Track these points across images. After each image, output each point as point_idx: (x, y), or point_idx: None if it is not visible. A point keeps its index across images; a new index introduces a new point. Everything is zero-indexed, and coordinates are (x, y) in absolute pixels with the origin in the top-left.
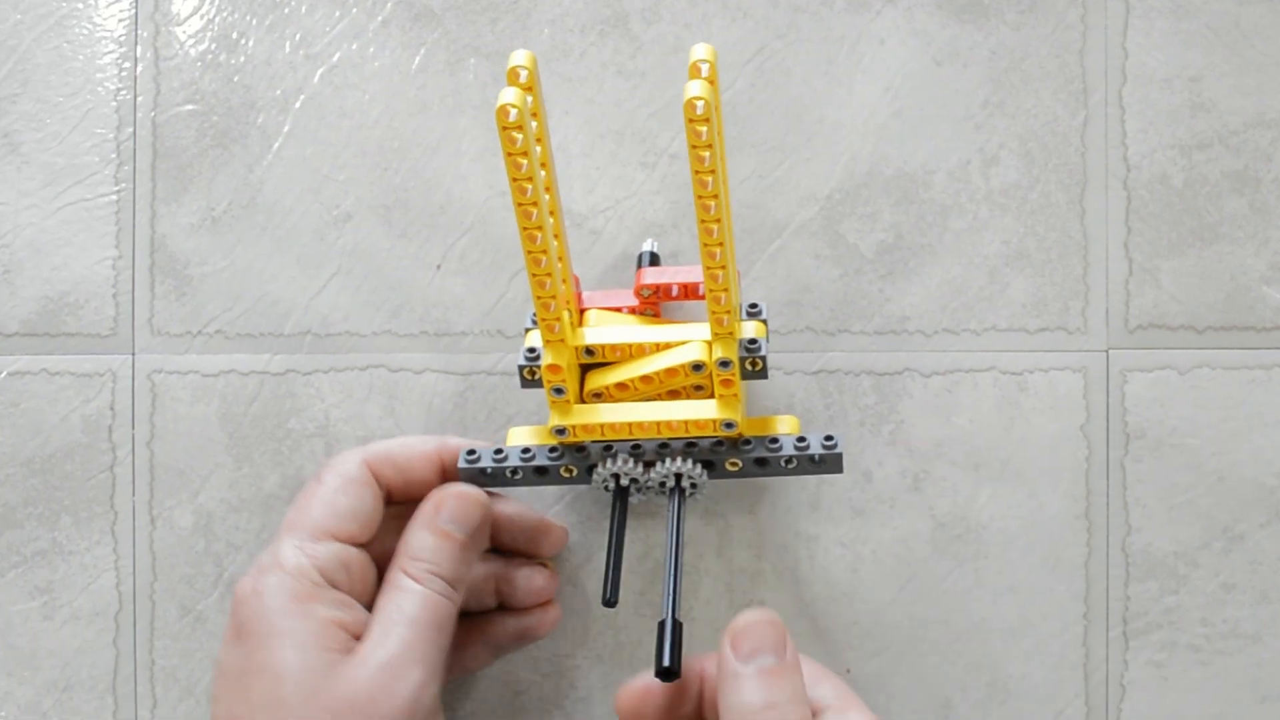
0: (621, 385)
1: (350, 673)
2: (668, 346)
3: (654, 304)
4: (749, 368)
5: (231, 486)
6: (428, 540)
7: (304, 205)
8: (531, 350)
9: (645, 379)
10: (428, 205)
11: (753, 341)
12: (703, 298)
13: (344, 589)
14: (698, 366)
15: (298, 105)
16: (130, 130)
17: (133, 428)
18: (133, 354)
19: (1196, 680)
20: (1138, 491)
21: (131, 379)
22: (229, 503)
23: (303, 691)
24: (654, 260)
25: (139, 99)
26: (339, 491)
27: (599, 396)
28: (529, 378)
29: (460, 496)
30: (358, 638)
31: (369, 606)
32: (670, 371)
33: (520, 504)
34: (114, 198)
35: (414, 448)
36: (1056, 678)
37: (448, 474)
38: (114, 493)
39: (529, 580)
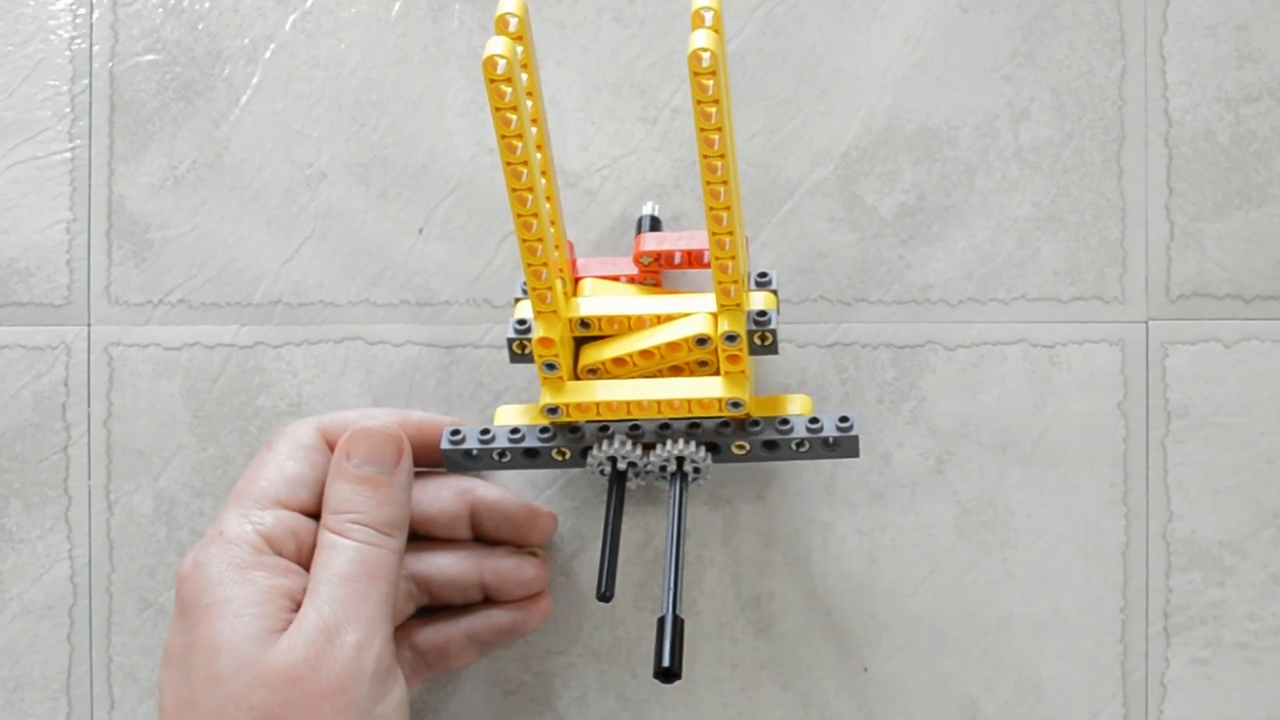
0: (619, 360)
1: (285, 643)
2: (669, 319)
3: (655, 273)
4: (758, 342)
5: (195, 469)
6: (344, 489)
7: (274, 164)
8: (521, 322)
9: (645, 354)
10: (409, 164)
11: (762, 313)
12: (708, 266)
13: (291, 557)
14: (702, 340)
15: (267, 55)
16: (86, 82)
17: (88, 405)
18: (88, 325)
19: (1244, 679)
20: (1180, 474)
21: (87, 352)
22: (193, 486)
23: (238, 664)
24: (655, 225)
25: (95, 48)
26: (288, 457)
27: (594, 373)
28: (519, 351)
29: (366, 435)
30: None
31: None
32: (672, 346)
33: (504, 490)
34: (68, 155)
35: (374, 418)
36: (1092, 677)
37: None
38: (68, 476)
39: (518, 571)
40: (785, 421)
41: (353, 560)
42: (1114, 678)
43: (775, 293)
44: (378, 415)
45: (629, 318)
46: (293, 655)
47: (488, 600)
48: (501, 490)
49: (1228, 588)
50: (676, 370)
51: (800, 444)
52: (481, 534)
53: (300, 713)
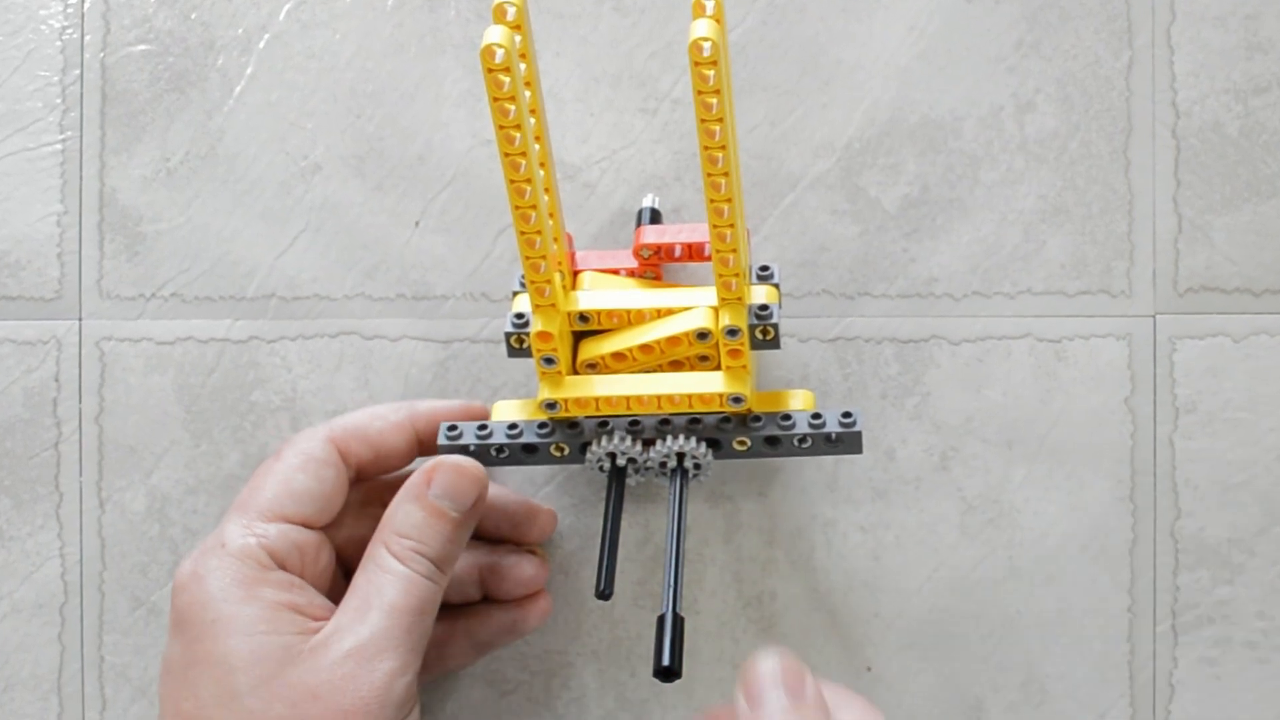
0: (618, 355)
1: (311, 661)
2: (670, 312)
3: (655, 266)
4: (759, 336)
5: (188, 466)
6: (416, 515)
7: (268, 156)
8: (519, 316)
9: (645, 348)
10: (405, 155)
11: (763, 307)
12: (709, 259)
13: (295, 572)
14: (703, 335)
15: (261, 45)
16: (77, 73)
17: (79, 401)
18: (79, 319)
19: (1252, 679)
20: (1188, 471)
21: (78, 347)
22: (186, 483)
23: (256, 681)
24: (655, 217)
25: (87, 38)
26: (298, 470)
27: (593, 367)
28: (517, 346)
29: (456, 469)
30: (315, 619)
31: (326, 593)
32: (673, 340)
33: (502, 486)
34: (59, 147)
35: (384, 418)
36: (1098, 677)
37: (422, 442)
38: (59, 472)
39: (517, 569)
40: (787, 417)
41: (407, 592)
42: (1121, 677)
43: (777, 287)
44: (387, 414)
45: (628, 312)
46: (317, 673)
47: (486, 599)
48: (500, 487)
49: (1236, 586)
50: (677, 365)
51: (803, 440)
52: (480, 531)
53: None
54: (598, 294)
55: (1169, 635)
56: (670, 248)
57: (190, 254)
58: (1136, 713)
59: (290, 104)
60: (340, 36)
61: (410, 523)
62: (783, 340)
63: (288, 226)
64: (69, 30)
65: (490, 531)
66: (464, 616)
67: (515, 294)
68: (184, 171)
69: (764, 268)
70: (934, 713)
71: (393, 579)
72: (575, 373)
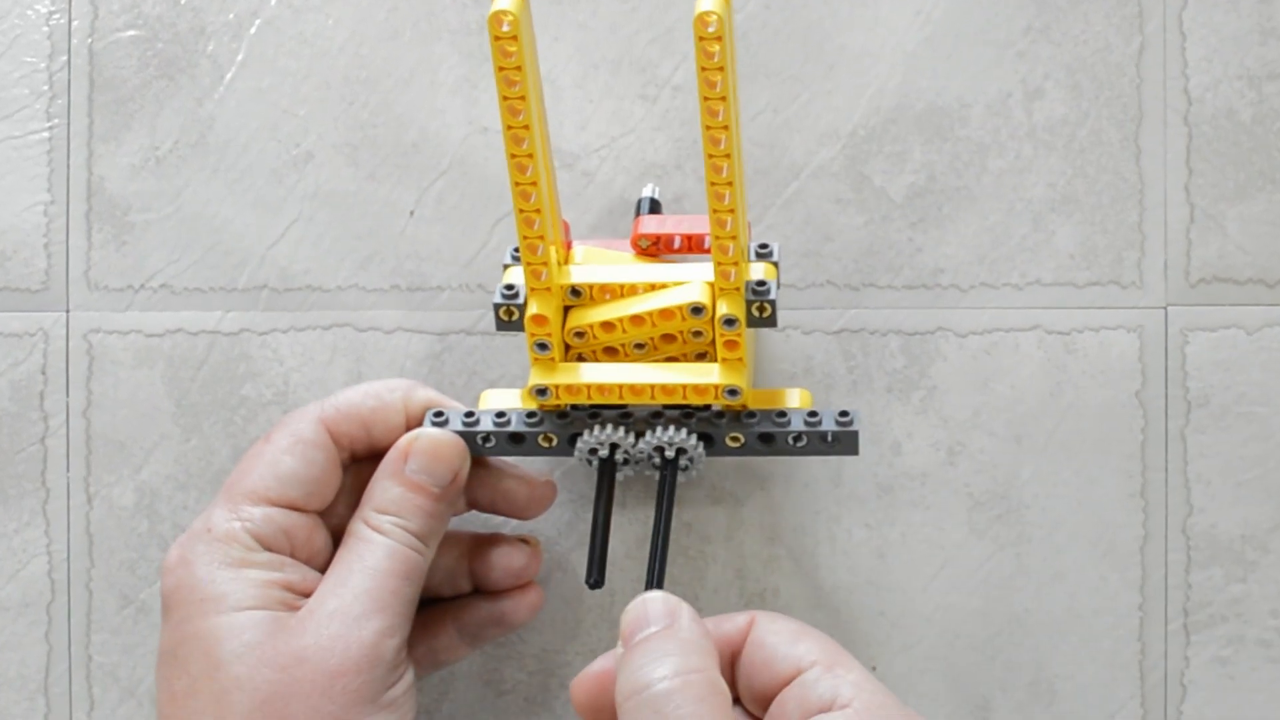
0: (607, 325)
1: (297, 624)
2: (664, 287)
3: (653, 256)
4: (756, 313)
5: (178, 460)
6: (394, 491)
7: (260, 143)
8: (510, 287)
9: (635, 319)
10: (399, 143)
11: (761, 283)
12: (708, 251)
13: (284, 554)
14: (697, 309)
15: (253, 31)
16: (64, 59)
17: (67, 394)
18: (67, 311)
19: (1266, 679)
20: (1200, 466)
21: (65, 339)
22: (175, 479)
23: (242, 649)
24: (654, 208)
25: (74, 24)
26: (286, 452)
27: (581, 336)
28: (506, 319)
29: (433, 443)
30: (306, 595)
31: (321, 572)
32: (665, 313)
33: (503, 459)
34: (46, 135)
35: (379, 397)
36: (1109, 676)
37: (413, 429)
38: (46, 468)
39: (507, 558)
40: (783, 414)
41: (388, 556)
42: (1131, 677)
43: (776, 265)
44: (382, 392)
45: (622, 286)
46: (303, 638)
47: (476, 591)
48: (498, 459)
49: (1250, 584)
50: (670, 339)
51: (797, 438)
52: (471, 504)
53: (310, 692)
54: (591, 268)
55: (1180, 634)
56: (669, 238)
57: (180, 244)
58: (1147, 713)
59: (282, 91)
60: (333, 22)
61: (388, 498)
62: (786, 333)
63: (280, 216)
64: (56, 15)
65: (487, 507)
66: (453, 608)
67: (506, 267)
68: (173, 160)
69: (763, 245)
70: (940, 712)
71: (374, 546)
72: (564, 343)
